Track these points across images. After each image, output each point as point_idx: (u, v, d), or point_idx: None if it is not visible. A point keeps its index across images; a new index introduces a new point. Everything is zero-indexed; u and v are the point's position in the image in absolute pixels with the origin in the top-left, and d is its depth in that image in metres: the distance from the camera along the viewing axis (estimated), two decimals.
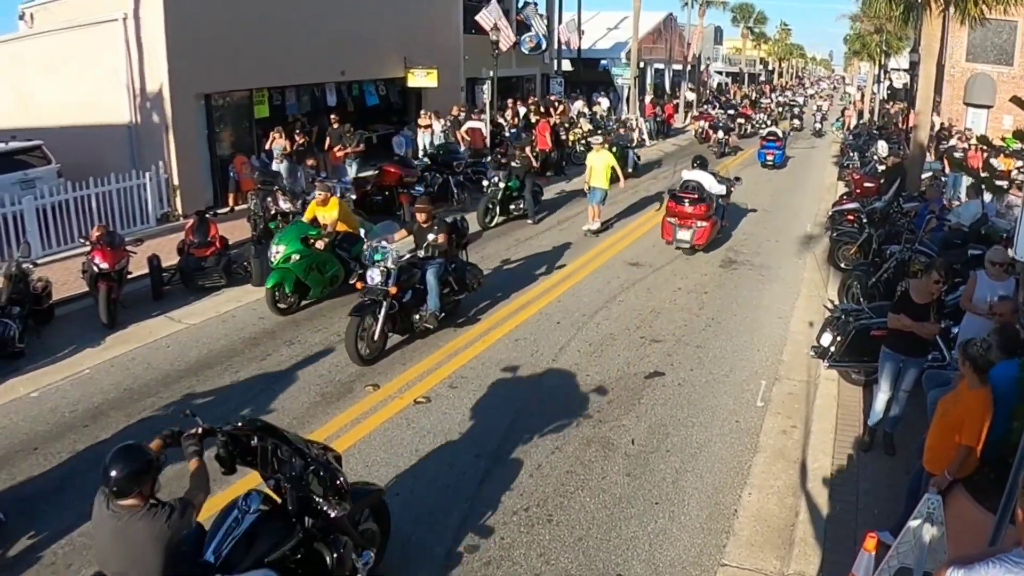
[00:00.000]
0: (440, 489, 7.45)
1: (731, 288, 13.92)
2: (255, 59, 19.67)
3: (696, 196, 15.83)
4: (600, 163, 17.45)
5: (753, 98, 55.30)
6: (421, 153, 23.23)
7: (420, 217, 11.71)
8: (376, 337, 10.33)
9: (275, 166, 17.45)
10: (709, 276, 14.56)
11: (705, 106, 44.52)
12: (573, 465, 7.94)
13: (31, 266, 11.21)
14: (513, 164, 18.45)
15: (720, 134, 33.88)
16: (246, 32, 19.32)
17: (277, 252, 11.91)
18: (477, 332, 11.47)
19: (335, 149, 20.61)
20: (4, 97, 18.94)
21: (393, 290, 10.28)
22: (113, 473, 4.45)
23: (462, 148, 22.81)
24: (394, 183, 18.05)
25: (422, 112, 25.21)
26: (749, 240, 17.43)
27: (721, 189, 17.01)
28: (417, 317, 10.87)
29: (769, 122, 39.89)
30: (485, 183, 18.25)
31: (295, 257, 11.85)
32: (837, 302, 11.29)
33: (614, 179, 17.66)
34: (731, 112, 41.64)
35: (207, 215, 13.68)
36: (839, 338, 9.36)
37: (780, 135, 30.59)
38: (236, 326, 11.64)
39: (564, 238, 17.11)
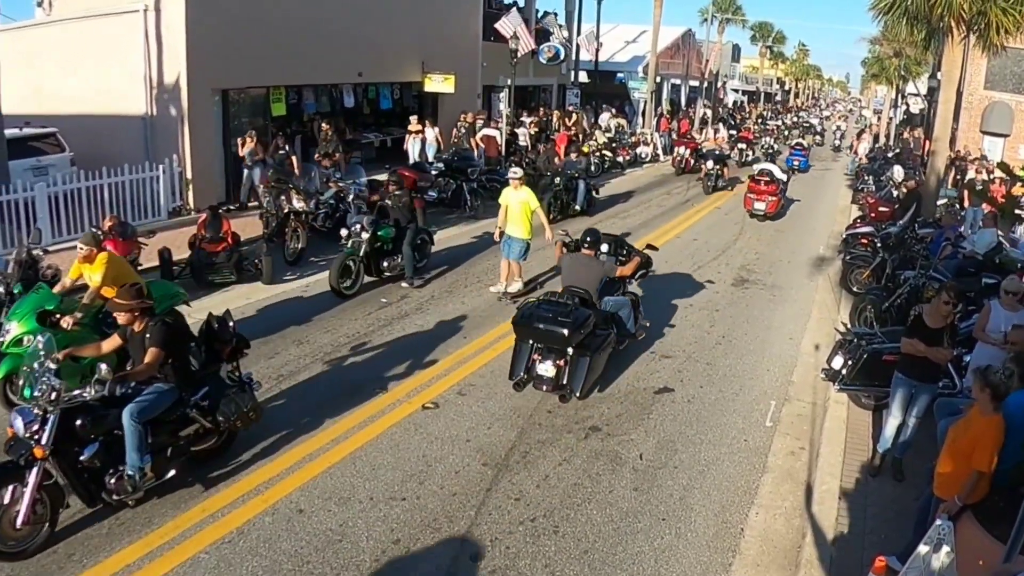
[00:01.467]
0: (446, 496, 7.41)
1: (742, 307, 13.87)
2: (274, 57, 19.73)
3: (768, 179, 22.15)
4: (517, 204, 13.31)
5: (763, 118, 55.03)
6: (411, 162, 22.55)
7: None
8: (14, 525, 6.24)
9: (246, 172, 17.40)
10: (721, 294, 14.51)
11: (719, 124, 44.13)
12: (580, 477, 7.90)
13: (41, 253, 11.19)
14: (386, 202, 14.29)
15: (710, 164, 26.59)
16: (266, 29, 19.39)
17: (7, 332, 8.65)
18: (488, 339, 11.44)
19: (316, 156, 19.94)
20: (19, 84, 18.92)
21: (39, 452, 6.24)
22: None
23: (476, 155, 22.86)
24: (408, 187, 18.04)
25: (412, 118, 24.73)
26: (761, 260, 17.39)
27: (783, 177, 23.82)
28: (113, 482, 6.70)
29: (776, 147, 37.96)
30: (344, 232, 13.31)
31: (29, 340, 8.01)
32: (849, 325, 11.23)
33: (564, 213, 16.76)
34: (732, 134, 38.55)
35: (220, 210, 13.69)
36: (850, 362, 9.32)
37: (806, 145, 38.96)
38: (244, 323, 11.58)
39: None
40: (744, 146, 36.05)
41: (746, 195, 22.20)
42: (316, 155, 19.46)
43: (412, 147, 23.90)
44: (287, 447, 8.14)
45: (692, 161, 30.04)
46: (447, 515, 7.12)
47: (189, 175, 17.70)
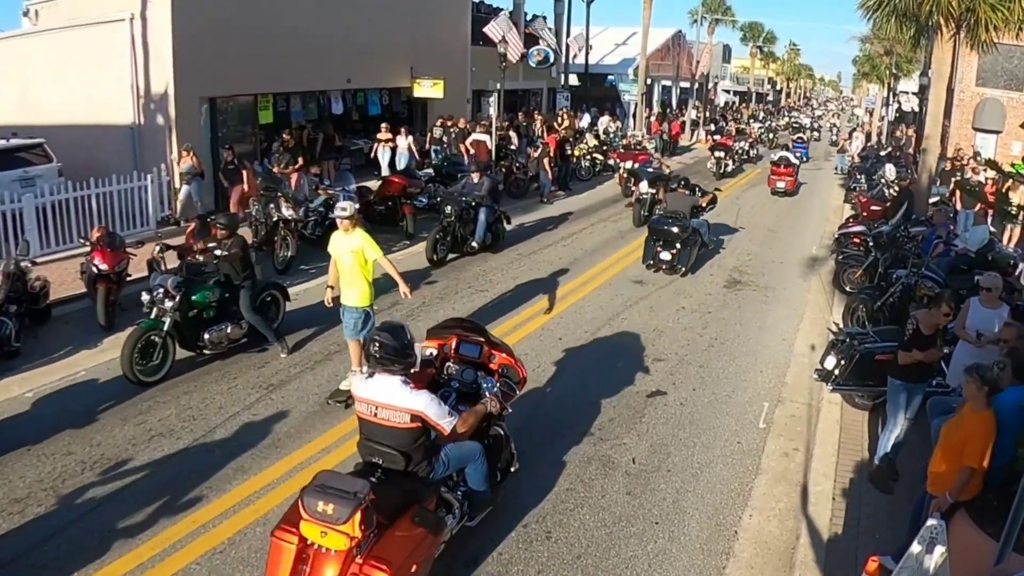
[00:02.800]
0: None
1: (735, 308, 13.84)
2: (261, 64, 19.72)
3: (786, 163, 27.44)
4: (348, 256, 9.23)
5: (755, 119, 54.83)
6: (384, 171, 21.94)
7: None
8: None
9: (184, 188, 17.01)
10: (713, 296, 14.49)
11: (710, 125, 44.15)
12: (573, 482, 7.86)
13: (29, 265, 11.17)
14: (218, 254, 10.73)
15: (644, 186, 20.62)
16: (253, 37, 19.36)
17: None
18: None
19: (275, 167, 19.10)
20: (6, 94, 18.94)
21: None
22: None
23: (466, 161, 22.81)
24: (397, 193, 17.96)
25: (383, 126, 23.53)
26: (753, 261, 17.37)
27: (797, 162, 29.26)
28: None
29: (752, 153, 36.63)
30: (146, 297, 9.93)
31: None
32: (842, 325, 11.22)
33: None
34: (714, 139, 34.85)
35: (209, 219, 13.61)
36: (843, 362, 9.29)
37: (806, 139, 43.77)
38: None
39: (568, 254, 17.05)
40: (722, 154, 30.55)
41: (769, 177, 27.55)
42: (274, 167, 17.81)
43: (382, 156, 23.10)
44: (277, 457, 8.09)
45: (636, 188, 22.82)
46: None
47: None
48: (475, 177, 16.87)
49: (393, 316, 12.46)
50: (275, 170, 17.50)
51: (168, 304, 9.74)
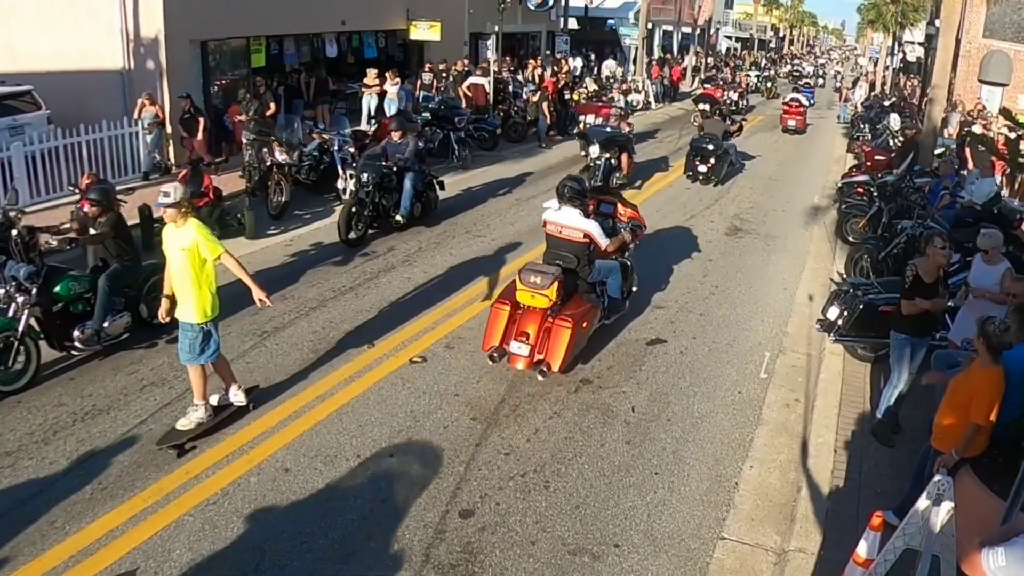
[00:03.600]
0: (435, 452, 7.29)
1: (736, 256, 13.69)
2: (253, 6, 19.30)
3: (797, 104, 29.99)
4: (178, 255, 7.34)
5: (757, 66, 53.83)
6: (364, 122, 20.89)
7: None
8: None
9: (146, 137, 16.22)
10: (714, 243, 14.31)
11: (712, 71, 43.41)
12: (571, 431, 7.78)
13: (18, 214, 10.93)
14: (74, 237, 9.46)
15: (595, 150, 17.55)
16: None
17: None
18: (475, 292, 11.26)
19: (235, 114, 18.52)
20: None
21: None
22: None
23: (464, 104, 22.44)
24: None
25: (369, 71, 22.37)
26: (755, 209, 17.17)
27: (807, 103, 31.67)
28: None
29: (742, 104, 34.40)
30: None
31: None
32: (845, 275, 11.08)
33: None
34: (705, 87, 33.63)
35: (200, 165, 13.37)
36: (846, 312, 9.17)
37: (814, 84, 46.91)
38: (227, 279, 11.33)
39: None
40: (707, 107, 24.89)
41: (781, 115, 30.24)
42: (238, 116, 17.36)
43: (368, 103, 22.01)
44: (272, 405, 7.97)
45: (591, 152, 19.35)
46: (435, 472, 7.01)
47: (169, 130, 17.30)
48: (396, 136, 13.94)
49: (388, 261, 12.30)
50: (242, 119, 16.91)
51: (21, 299, 8.17)
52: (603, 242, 9.09)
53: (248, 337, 9.51)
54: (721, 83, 35.39)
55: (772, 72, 52.26)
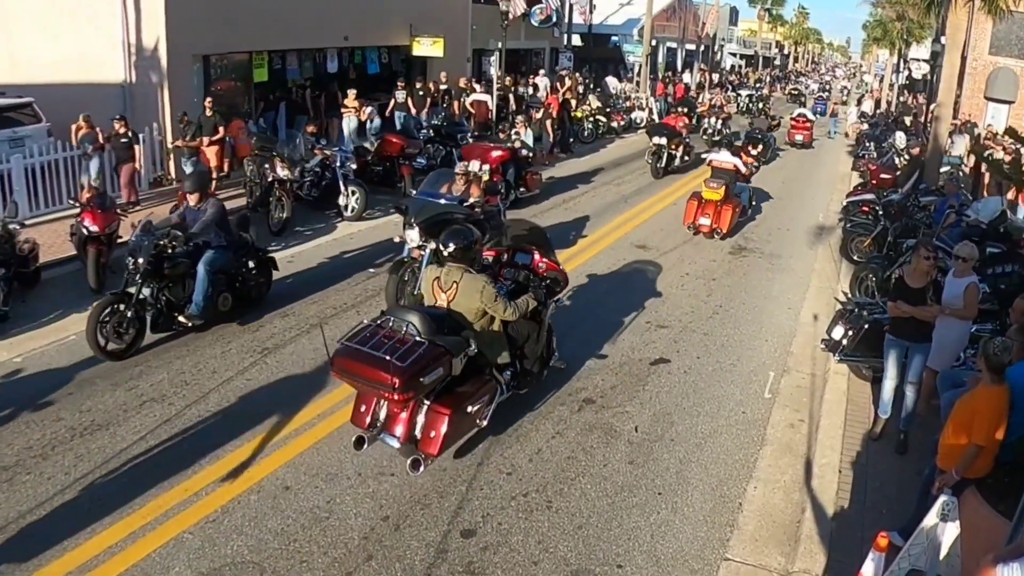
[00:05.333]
0: (436, 471, 7.22)
1: (740, 276, 13.64)
2: (256, 21, 19.28)
3: (804, 119, 30.77)
4: None
5: (761, 82, 53.19)
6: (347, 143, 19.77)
7: None
8: None
9: (87, 163, 14.80)
10: (718, 262, 14.28)
11: (716, 89, 43.29)
12: (574, 451, 7.72)
13: (18, 227, 10.93)
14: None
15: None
16: None
17: None
18: None
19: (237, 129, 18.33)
20: None
21: None
22: None
23: (466, 120, 22.48)
24: (395, 154, 17.69)
25: (349, 92, 21.37)
26: (759, 227, 17.13)
27: (814, 118, 32.57)
28: None
29: (724, 130, 27.84)
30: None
31: None
32: (850, 295, 11.03)
33: None
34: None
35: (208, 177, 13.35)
36: (851, 332, 9.12)
37: (826, 96, 48.50)
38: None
39: (569, 217, 16.81)
40: (663, 141, 22.21)
41: (789, 130, 30.58)
42: (178, 142, 16.52)
43: (347, 126, 20.83)
44: (271, 423, 7.92)
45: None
46: (437, 491, 6.94)
47: (170, 144, 17.30)
48: (192, 199, 10.03)
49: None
50: (179, 144, 16.10)
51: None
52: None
53: (249, 354, 9.47)
54: (682, 111, 27.76)
55: (767, 91, 49.28)
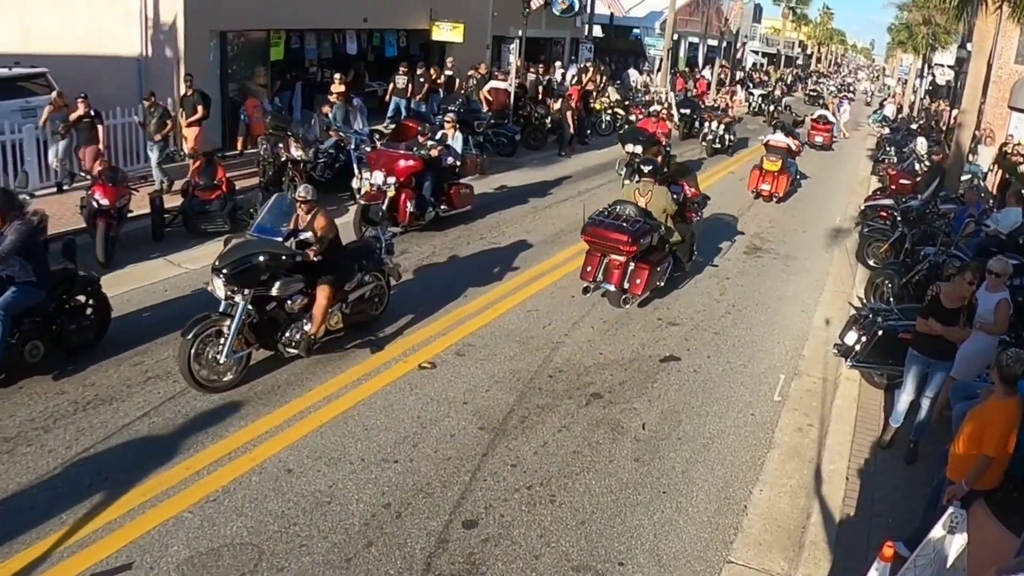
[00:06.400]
0: (440, 460, 7.18)
1: (754, 276, 13.52)
2: None
3: (824, 121, 30.51)
4: None
5: (783, 82, 52.43)
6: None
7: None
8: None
9: (54, 143, 14.13)
10: (732, 262, 14.15)
11: (736, 86, 42.82)
12: (580, 446, 7.66)
13: (28, 197, 10.87)
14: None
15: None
16: None
17: None
18: (488, 299, 11.12)
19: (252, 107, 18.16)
20: (8, 23, 18.20)
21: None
22: None
23: (484, 108, 22.31)
24: (411, 138, 17.57)
25: (335, 76, 19.95)
26: (775, 228, 16.98)
27: (834, 120, 32.63)
28: None
29: (729, 137, 25.88)
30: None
31: None
32: (864, 300, 10.90)
33: None
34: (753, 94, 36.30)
35: (215, 157, 13.30)
36: (864, 338, 9.03)
37: (852, 96, 50.79)
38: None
39: (583, 209, 16.64)
40: (637, 148, 18.49)
41: (809, 131, 29.93)
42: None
43: (335, 115, 17.97)
44: (276, 404, 7.89)
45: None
46: (441, 480, 6.90)
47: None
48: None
49: (402, 264, 12.20)
50: (152, 131, 14.90)
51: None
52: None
53: None
54: (663, 112, 24.09)
55: (778, 93, 43.75)
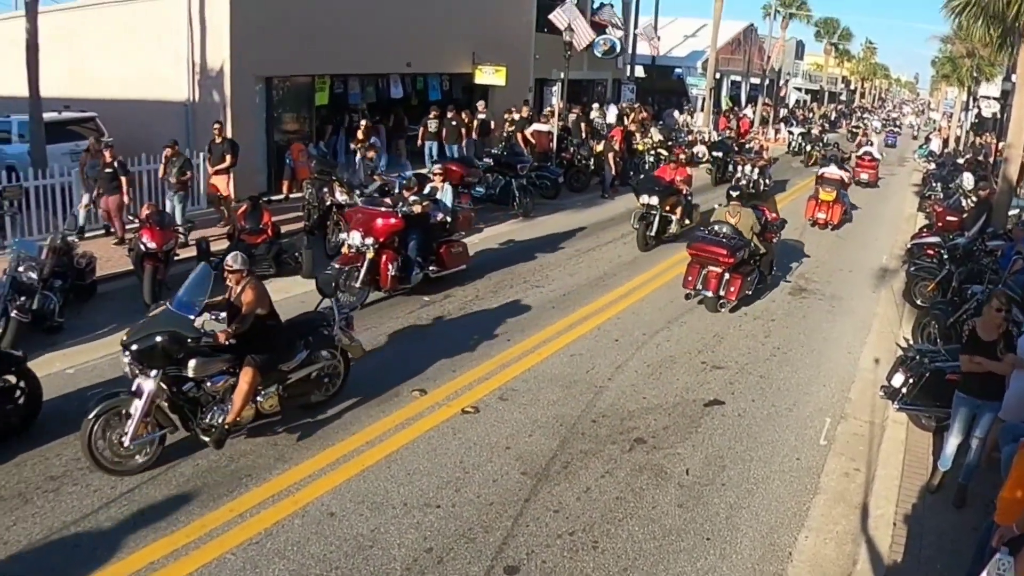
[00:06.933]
0: (483, 505, 7.18)
1: (799, 318, 13.37)
2: (319, 44, 19.57)
3: (870, 158, 30.49)
4: None
5: (827, 119, 51.78)
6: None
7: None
8: None
9: (87, 190, 14.17)
10: (777, 303, 14.02)
11: (780, 124, 42.56)
12: (623, 491, 7.61)
13: (76, 240, 11.17)
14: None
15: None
16: (312, 16, 19.27)
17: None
18: (531, 344, 11.13)
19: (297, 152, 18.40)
20: (59, 67, 18.35)
21: None
22: None
23: (526, 151, 22.45)
24: (455, 182, 17.71)
25: (362, 123, 20.45)
26: (821, 268, 16.80)
27: (880, 156, 32.17)
28: None
29: (763, 180, 24.33)
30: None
31: None
32: (911, 341, 10.73)
33: None
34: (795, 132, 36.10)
35: (260, 201, 13.53)
36: (912, 380, 8.86)
37: (899, 131, 52.21)
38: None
39: (627, 252, 16.69)
40: (653, 200, 17.18)
41: (854, 168, 28.74)
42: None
43: (363, 164, 18.34)
44: (320, 448, 7.97)
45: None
46: (483, 525, 6.89)
47: (228, 163, 17.49)
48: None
49: (444, 308, 12.31)
50: (173, 181, 14.88)
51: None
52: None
53: None
54: (683, 157, 23.15)
55: (817, 131, 40.75)
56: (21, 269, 10.10)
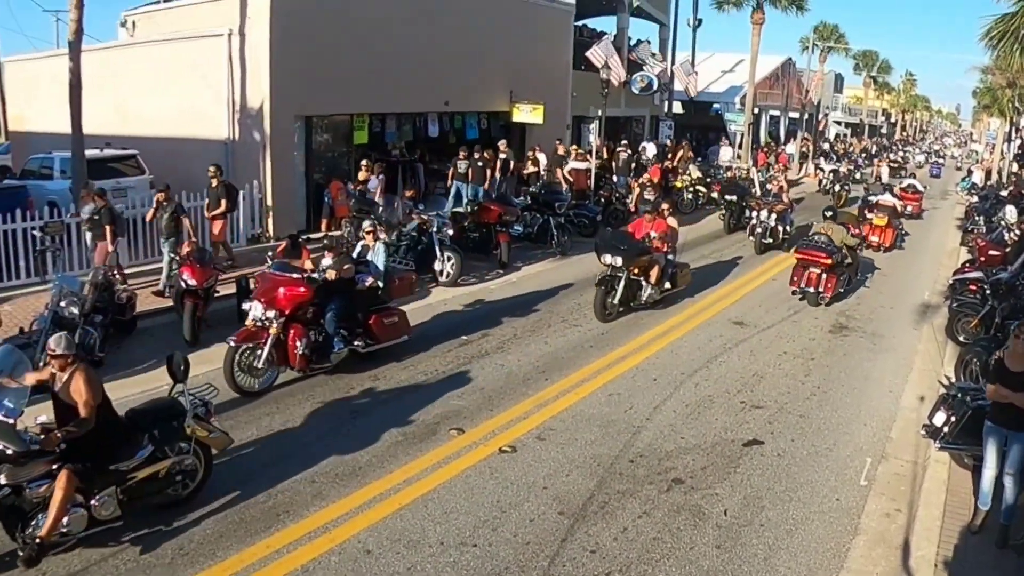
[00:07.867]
0: (519, 545, 7.19)
1: (840, 356, 13.21)
2: (358, 84, 19.87)
3: (913, 190, 30.82)
4: None
5: (867, 152, 51.15)
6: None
7: None
8: None
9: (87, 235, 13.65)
10: (817, 341, 13.88)
11: (820, 158, 42.11)
12: (661, 532, 7.57)
13: (117, 276, 11.39)
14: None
15: None
16: (350, 56, 19.57)
17: None
18: (569, 383, 11.14)
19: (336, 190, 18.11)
20: (101, 104, 18.94)
21: None
22: None
23: (564, 189, 22.51)
24: (493, 221, 17.80)
25: (363, 163, 19.21)
26: (862, 305, 16.62)
27: (923, 189, 31.97)
28: None
29: (783, 229, 21.70)
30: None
31: None
32: (953, 379, 10.57)
33: None
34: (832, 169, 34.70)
35: (299, 239, 13.66)
36: (953, 418, 8.71)
37: (943, 162, 54.66)
38: None
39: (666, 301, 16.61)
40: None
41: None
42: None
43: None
44: (357, 485, 8.04)
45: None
46: (519, 564, 6.90)
47: (269, 202, 17.74)
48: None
49: (482, 347, 12.37)
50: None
51: None
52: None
53: (338, 416, 9.66)
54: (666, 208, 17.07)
55: (844, 169, 36.95)
56: (63, 304, 10.40)
